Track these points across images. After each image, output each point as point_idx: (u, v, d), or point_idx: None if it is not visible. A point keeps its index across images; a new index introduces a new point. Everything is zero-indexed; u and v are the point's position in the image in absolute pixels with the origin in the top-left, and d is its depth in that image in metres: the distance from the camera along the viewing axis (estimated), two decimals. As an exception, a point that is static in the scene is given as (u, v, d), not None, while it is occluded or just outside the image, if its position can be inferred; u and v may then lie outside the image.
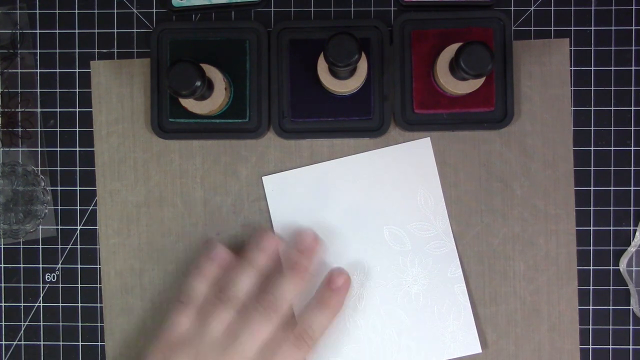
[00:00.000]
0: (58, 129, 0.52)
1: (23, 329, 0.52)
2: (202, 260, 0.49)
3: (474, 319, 0.51)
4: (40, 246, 0.52)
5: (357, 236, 0.51)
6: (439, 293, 0.51)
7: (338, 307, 0.49)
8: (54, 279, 0.52)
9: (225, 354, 0.45)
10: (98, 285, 0.52)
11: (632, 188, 0.51)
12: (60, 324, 0.52)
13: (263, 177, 0.51)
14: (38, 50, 0.52)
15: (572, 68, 0.51)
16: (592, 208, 0.51)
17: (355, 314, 0.51)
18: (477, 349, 0.50)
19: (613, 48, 0.51)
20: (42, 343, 0.52)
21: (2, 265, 0.52)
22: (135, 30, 0.52)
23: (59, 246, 0.52)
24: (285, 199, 0.51)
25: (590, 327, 0.51)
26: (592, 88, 0.51)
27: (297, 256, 0.49)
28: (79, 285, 0.52)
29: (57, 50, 0.52)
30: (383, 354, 0.51)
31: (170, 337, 0.47)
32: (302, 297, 0.50)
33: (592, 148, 0.51)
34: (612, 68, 0.51)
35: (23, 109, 0.52)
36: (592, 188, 0.51)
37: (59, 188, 0.52)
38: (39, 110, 0.52)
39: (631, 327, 0.51)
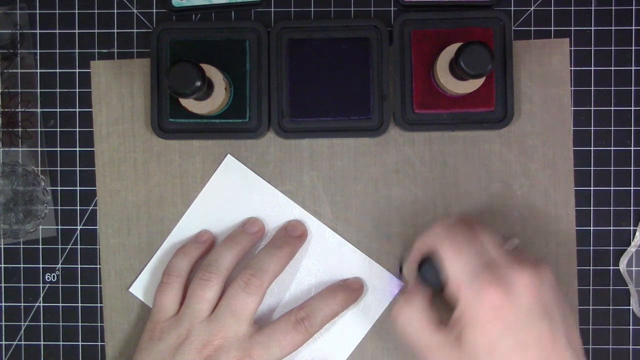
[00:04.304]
0: (58, 129, 0.52)
1: (23, 329, 0.52)
2: (187, 242, 0.51)
3: None
4: (40, 246, 0.52)
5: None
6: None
7: (345, 305, 0.49)
8: (54, 279, 0.52)
9: (214, 332, 0.46)
10: (98, 285, 0.52)
11: (632, 188, 0.51)
12: (60, 324, 0.52)
13: (229, 155, 0.51)
14: (38, 50, 0.52)
15: (572, 68, 0.51)
16: (592, 208, 0.51)
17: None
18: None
19: (613, 48, 0.51)
20: (42, 343, 0.52)
21: (2, 265, 0.52)
22: (135, 30, 0.52)
23: (59, 246, 0.52)
24: (227, 186, 0.51)
25: (590, 327, 0.51)
26: (592, 88, 0.51)
27: (285, 236, 0.50)
28: (79, 285, 0.52)
29: (57, 50, 0.52)
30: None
31: (157, 318, 0.48)
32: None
33: (592, 148, 0.51)
34: (612, 68, 0.51)
35: (23, 109, 0.52)
36: (592, 188, 0.51)
37: (59, 188, 0.52)
38: (39, 110, 0.52)
39: (631, 327, 0.51)
